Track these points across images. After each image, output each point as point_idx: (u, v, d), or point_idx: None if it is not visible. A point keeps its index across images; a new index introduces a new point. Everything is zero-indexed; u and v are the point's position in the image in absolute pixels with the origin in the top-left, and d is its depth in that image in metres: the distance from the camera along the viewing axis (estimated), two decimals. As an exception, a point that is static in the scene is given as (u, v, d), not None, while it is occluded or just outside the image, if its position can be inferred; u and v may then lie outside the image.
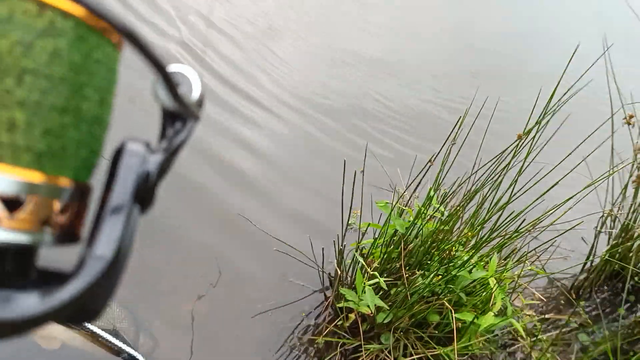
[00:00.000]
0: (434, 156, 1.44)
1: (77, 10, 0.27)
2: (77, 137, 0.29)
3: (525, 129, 1.44)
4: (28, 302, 0.26)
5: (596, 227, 1.97)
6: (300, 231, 2.05)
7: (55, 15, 0.27)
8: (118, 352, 1.66)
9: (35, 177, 0.28)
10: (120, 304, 1.77)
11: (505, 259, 1.70)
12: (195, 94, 0.34)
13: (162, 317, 1.78)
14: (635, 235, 1.98)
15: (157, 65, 0.30)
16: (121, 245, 0.29)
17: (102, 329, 1.67)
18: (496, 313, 1.55)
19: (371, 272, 1.48)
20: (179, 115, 0.34)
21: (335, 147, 2.56)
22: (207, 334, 1.80)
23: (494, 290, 1.48)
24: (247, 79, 2.80)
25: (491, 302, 1.49)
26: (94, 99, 0.30)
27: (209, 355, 1.75)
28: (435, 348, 1.48)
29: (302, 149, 2.51)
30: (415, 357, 1.50)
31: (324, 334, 1.69)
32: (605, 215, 1.95)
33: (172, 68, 0.33)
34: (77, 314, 0.29)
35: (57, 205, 0.29)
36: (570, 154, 1.58)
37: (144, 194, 0.30)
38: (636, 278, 2.08)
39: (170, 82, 0.31)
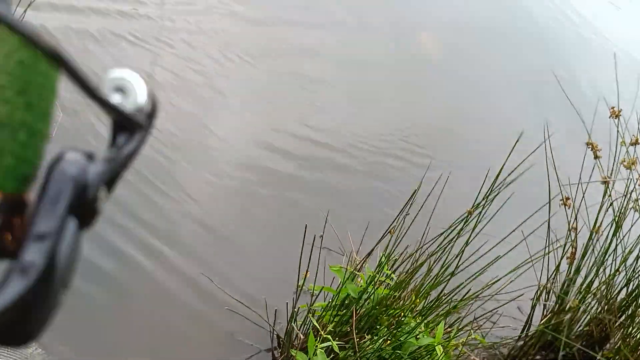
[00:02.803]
0: (391, 225, 1.52)
1: None
2: (15, 153, 0.28)
3: (474, 204, 1.56)
4: None
5: (532, 298, 2.09)
6: (251, 292, 2.06)
7: None
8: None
9: None
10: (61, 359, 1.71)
11: (450, 326, 1.78)
12: (140, 101, 0.31)
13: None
14: (567, 308, 2.11)
15: (80, 80, 0.28)
16: (53, 261, 0.27)
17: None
18: (441, 380, 1.61)
19: (325, 335, 1.52)
20: (125, 125, 0.31)
21: (285, 212, 2.62)
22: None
23: (440, 357, 1.54)
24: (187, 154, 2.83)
25: (437, 369, 1.55)
26: (16, 103, 0.28)
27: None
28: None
29: (254, 216, 2.55)
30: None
31: (271, 396, 1.69)
32: (541, 288, 2.08)
33: (113, 74, 0.31)
34: (4, 334, 0.27)
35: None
36: (511, 232, 1.71)
37: (83, 206, 0.28)
38: (567, 349, 2.20)
39: (100, 99, 0.29)
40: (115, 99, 0.30)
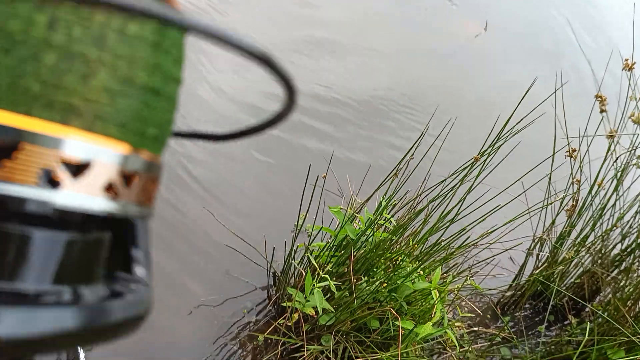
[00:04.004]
0: (395, 167, 1.50)
1: None
2: (168, 121, 0.31)
3: (480, 151, 1.53)
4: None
5: (528, 248, 2.10)
6: (248, 232, 2.05)
7: None
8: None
9: (140, 153, 0.30)
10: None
11: (445, 272, 1.79)
12: None
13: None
14: (560, 259, 2.13)
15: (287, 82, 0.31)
16: None
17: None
18: (434, 323, 1.63)
19: (323, 275, 1.52)
20: None
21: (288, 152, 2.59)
22: (146, 323, 1.77)
23: (436, 301, 1.55)
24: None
25: (433, 312, 1.56)
26: (169, 77, 0.31)
27: (145, 345, 1.73)
28: (375, 352, 1.54)
29: (256, 152, 2.52)
30: (355, 360, 1.56)
31: (266, 332, 1.71)
32: (537, 239, 2.09)
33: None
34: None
35: (151, 178, 0.31)
36: (513, 183, 1.69)
37: None
38: (557, 299, 2.24)
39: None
40: None
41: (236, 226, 2.03)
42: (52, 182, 0.26)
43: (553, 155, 1.77)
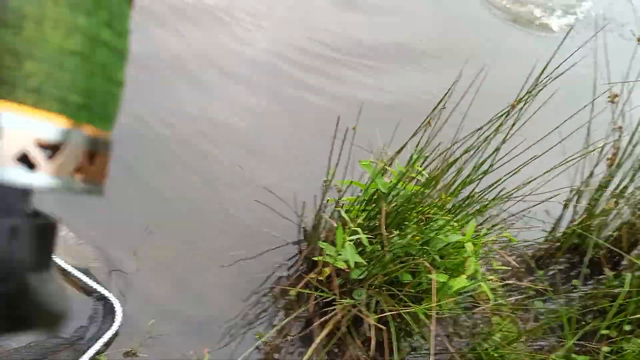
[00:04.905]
0: (428, 117, 1.45)
1: None
2: (101, 90, 0.30)
3: (517, 98, 1.47)
4: None
5: (565, 200, 2.04)
6: (278, 188, 2.03)
7: None
8: (89, 291, 1.64)
9: (67, 123, 0.28)
10: (93, 244, 1.74)
11: (479, 225, 1.75)
12: None
13: (134, 259, 1.76)
14: (598, 212, 2.07)
15: None
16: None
17: (74, 267, 1.64)
18: (467, 276, 1.60)
19: (354, 228, 1.50)
20: None
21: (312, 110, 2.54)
22: (178, 278, 1.79)
23: (470, 254, 1.52)
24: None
25: (466, 265, 1.54)
26: (96, 40, 0.29)
27: (179, 298, 1.75)
28: (410, 306, 1.53)
29: (282, 110, 2.48)
30: (388, 314, 1.55)
31: (298, 286, 1.71)
32: (574, 191, 2.02)
33: None
34: None
35: (85, 152, 0.30)
36: (549, 133, 1.63)
37: None
38: (593, 252, 2.18)
39: None
40: None
41: (265, 182, 2.02)
42: None
43: (593, 101, 1.69)
